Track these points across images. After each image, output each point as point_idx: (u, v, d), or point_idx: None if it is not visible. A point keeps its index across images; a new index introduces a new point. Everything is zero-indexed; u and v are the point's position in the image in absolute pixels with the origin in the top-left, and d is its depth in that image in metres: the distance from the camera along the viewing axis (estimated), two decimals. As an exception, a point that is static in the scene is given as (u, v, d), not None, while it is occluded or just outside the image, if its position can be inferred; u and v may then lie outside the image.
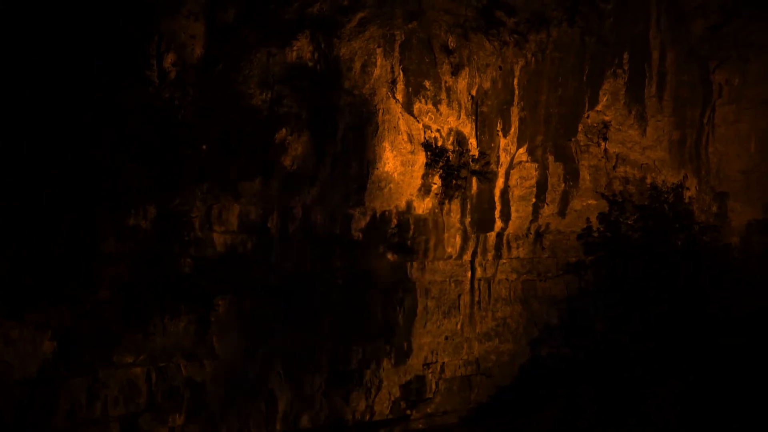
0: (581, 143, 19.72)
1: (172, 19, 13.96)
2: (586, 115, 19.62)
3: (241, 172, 14.45)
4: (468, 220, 17.87)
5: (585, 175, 19.81)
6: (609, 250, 19.76)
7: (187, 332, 13.90)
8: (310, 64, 15.14)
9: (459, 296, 18.18)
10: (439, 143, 16.99)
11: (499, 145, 17.97)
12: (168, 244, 13.58)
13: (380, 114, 15.91)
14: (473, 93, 17.30)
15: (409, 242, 16.93)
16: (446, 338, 17.96)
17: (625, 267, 19.56)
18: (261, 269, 14.89)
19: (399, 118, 16.23)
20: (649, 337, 18.56)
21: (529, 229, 19.26)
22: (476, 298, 18.53)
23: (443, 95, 16.80)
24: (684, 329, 18.77)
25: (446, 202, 17.38)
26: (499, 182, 18.29)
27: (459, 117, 17.14)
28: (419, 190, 16.82)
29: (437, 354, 17.84)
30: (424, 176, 16.82)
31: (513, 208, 18.72)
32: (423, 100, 16.52)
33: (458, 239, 17.86)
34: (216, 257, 14.26)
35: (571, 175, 19.56)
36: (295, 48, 14.98)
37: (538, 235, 19.50)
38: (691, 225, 20.63)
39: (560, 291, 19.90)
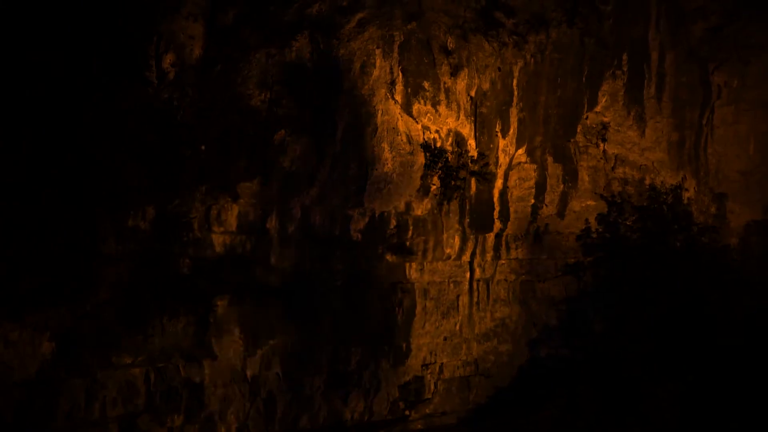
0: (580, 144, 19.72)
1: (171, 19, 13.98)
2: (585, 116, 19.62)
3: (240, 173, 14.47)
4: (467, 220, 17.88)
5: (584, 176, 19.81)
6: (608, 251, 19.78)
7: (185, 333, 13.92)
8: (309, 64, 15.14)
9: (458, 297, 18.19)
10: (438, 144, 17.00)
11: (498, 146, 17.98)
12: (167, 244, 13.62)
13: (379, 115, 15.93)
14: (472, 94, 17.31)
15: (408, 243, 16.95)
16: (445, 339, 17.96)
17: (624, 268, 19.58)
18: (260, 270, 14.90)
19: (398, 119, 16.24)
20: (648, 338, 18.58)
21: (527, 229, 19.26)
22: (475, 299, 18.54)
23: (442, 96, 16.81)
24: (683, 330, 18.78)
25: (445, 203, 17.39)
26: (498, 183, 18.29)
27: (458, 118, 17.15)
28: (418, 191, 16.83)
29: (436, 355, 17.85)
30: (423, 177, 16.82)
31: (512, 209, 18.72)
32: (422, 101, 16.53)
33: (457, 240, 17.87)
34: (215, 258, 14.28)
35: (570, 176, 19.56)
36: (294, 49, 14.99)
37: (537, 236, 19.48)
38: (689, 226, 20.66)
39: (559, 292, 19.89)
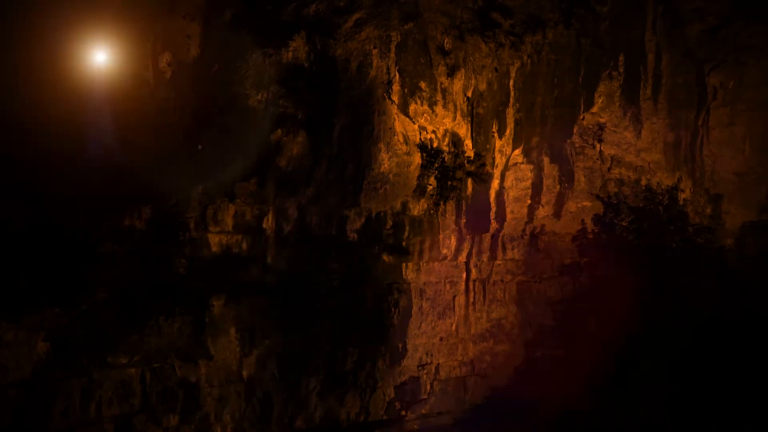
0: (576, 145, 19.72)
1: (168, 19, 13.96)
2: (581, 117, 19.61)
3: (237, 173, 14.47)
4: (463, 221, 17.89)
5: (580, 176, 19.81)
6: (604, 252, 19.78)
7: (181, 333, 13.92)
8: (306, 64, 15.14)
9: (454, 297, 18.20)
10: (435, 144, 17.01)
11: (494, 147, 17.99)
12: (163, 244, 13.60)
13: (376, 115, 15.91)
14: (469, 94, 17.33)
15: (404, 243, 16.95)
16: (441, 339, 17.97)
17: (620, 269, 19.57)
18: (256, 270, 14.91)
19: (395, 119, 16.23)
20: (645, 339, 18.57)
21: (524, 230, 19.28)
22: (471, 299, 18.55)
23: (439, 96, 16.81)
24: (679, 331, 18.79)
25: (441, 203, 17.40)
26: (495, 183, 18.30)
27: (454, 118, 17.15)
28: (415, 191, 16.83)
29: (432, 355, 17.85)
30: (420, 177, 16.83)
31: (508, 210, 18.73)
32: (419, 102, 16.53)
33: (453, 240, 17.88)
34: (211, 258, 14.28)
35: (566, 177, 19.56)
36: (291, 49, 14.99)
37: (533, 237, 19.52)
38: (685, 227, 20.67)
39: (555, 292, 19.91)
